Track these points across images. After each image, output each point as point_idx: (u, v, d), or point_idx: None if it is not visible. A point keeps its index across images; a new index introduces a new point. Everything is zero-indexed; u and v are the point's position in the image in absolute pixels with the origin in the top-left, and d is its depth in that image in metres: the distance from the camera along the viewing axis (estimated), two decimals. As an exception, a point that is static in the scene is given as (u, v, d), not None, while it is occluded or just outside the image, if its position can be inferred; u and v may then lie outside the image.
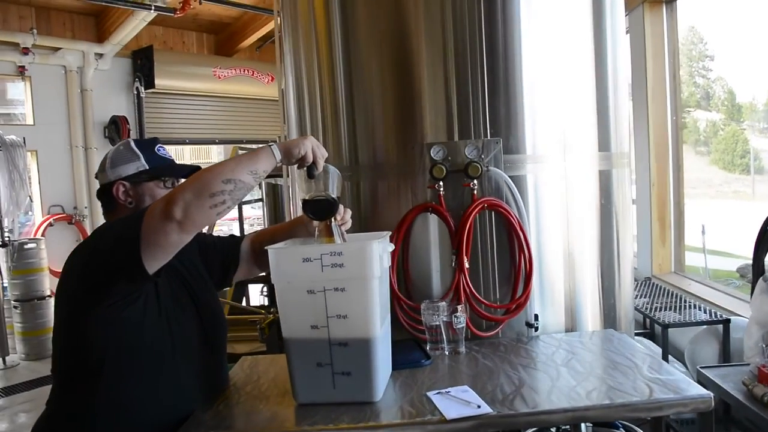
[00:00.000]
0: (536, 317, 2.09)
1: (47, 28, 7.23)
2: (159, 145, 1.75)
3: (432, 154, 2.07)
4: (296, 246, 1.61)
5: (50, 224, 7.31)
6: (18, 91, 7.50)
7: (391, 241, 2.09)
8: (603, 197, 2.27)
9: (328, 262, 1.47)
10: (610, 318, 2.28)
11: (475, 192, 2.05)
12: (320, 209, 1.58)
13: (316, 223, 1.64)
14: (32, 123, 7.31)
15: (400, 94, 2.17)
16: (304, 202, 1.57)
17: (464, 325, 1.91)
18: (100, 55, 7.60)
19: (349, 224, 1.70)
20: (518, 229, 2.03)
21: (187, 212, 1.39)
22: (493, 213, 2.08)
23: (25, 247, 6.30)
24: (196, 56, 8.75)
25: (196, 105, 8.65)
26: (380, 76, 2.20)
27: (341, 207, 1.66)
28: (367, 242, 1.48)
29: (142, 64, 7.87)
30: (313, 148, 1.54)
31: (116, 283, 1.47)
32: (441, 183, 2.05)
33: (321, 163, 1.56)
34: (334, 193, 1.58)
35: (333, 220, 1.62)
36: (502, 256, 2.09)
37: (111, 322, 1.50)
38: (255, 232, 2.04)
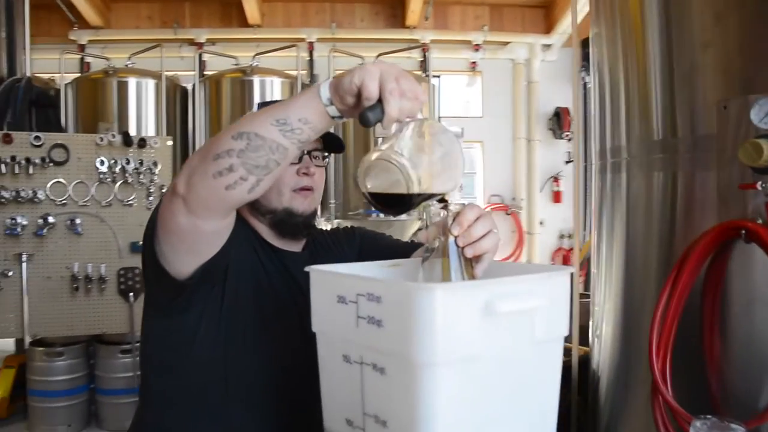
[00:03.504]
0: None
1: (499, 24, 7.41)
2: None
3: (754, 118, 1.03)
4: (337, 272, 0.91)
5: (488, 213, 7.55)
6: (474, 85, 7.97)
7: (666, 286, 1.15)
8: None
9: (365, 312, 0.78)
10: None
11: None
12: (387, 199, 0.88)
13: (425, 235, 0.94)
14: (480, 115, 7.66)
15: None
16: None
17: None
18: (547, 47, 7.44)
19: (486, 243, 0.92)
20: None
21: (190, 183, 0.96)
22: None
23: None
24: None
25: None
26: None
27: (465, 210, 0.91)
28: (418, 285, 0.72)
29: (586, 53, 7.36)
30: (383, 76, 0.85)
31: (149, 280, 1.13)
32: (768, 181, 1.00)
33: (394, 104, 0.84)
34: (418, 168, 0.84)
35: (449, 233, 0.89)
36: None
37: (157, 328, 1.17)
38: None
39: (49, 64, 5.60)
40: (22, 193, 3.26)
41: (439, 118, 6.48)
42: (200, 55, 6.43)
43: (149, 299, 1.18)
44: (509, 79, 7.57)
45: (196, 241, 1.04)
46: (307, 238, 1.34)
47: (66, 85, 5.47)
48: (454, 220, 0.89)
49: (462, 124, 6.93)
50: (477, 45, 7.25)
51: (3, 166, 3.24)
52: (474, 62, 7.42)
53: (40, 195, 3.31)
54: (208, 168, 0.92)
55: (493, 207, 7.49)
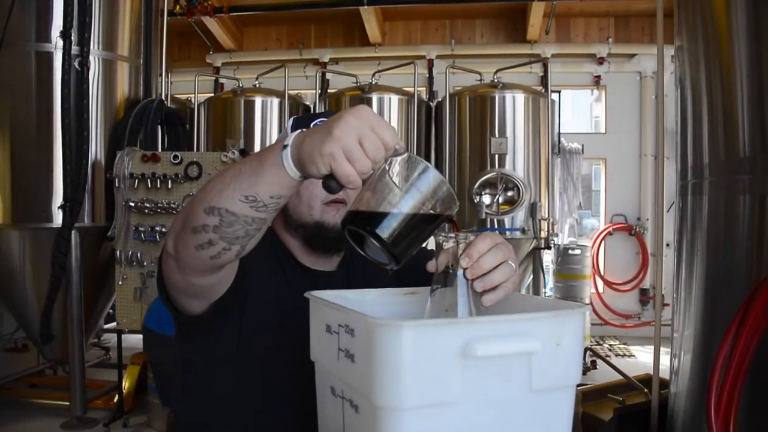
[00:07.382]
0: None
1: (625, 35, 7.05)
2: (322, 119, 1.16)
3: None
4: (324, 300, 0.85)
5: (609, 233, 7.16)
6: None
7: (731, 329, 1.03)
8: None
9: (344, 345, 0.76)
10: None
11: None
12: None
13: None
14: (603, 131, 7.32)
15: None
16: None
17: None
18: (678, 57, 6.96)
19: (497, 276, 0.85)
20: None
21: (176, 248, 0.96)
22: None
23: (570, 252, 6.31)
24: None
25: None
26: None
27: (476, 241, 0.86)
28: (383, 321, 0.68)
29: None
30: (361, 139, 0.76)
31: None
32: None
33: (351, 172, 0.77)
34: (404, 207, 0.79)
35: (456, 265, 0.86)
36: None
37: (182, 349, 1.21)
38: None
39: (189, 86, 6.08)
40: (160, 205, 3.61)
41: (559, 134, 6.22)
42: (323, 74, 6.67)
43: (175, 323, 1.20)
44: (635, 93, 7.14)
45: (196, 293, 1.04)
46: (343, 255, 1.26)
47: (199, 104, 5.91)
48: (464, 251, 0.84)
49: (583, 140, 6.65)
50: (601, 58, 6.93)
51: (149, 181, 3.61)
52: (598, 76, 7.08)
53: (175, 206, 3.64)
54: (189, 240, 0.90)
55: (615, 227, 7.10)
